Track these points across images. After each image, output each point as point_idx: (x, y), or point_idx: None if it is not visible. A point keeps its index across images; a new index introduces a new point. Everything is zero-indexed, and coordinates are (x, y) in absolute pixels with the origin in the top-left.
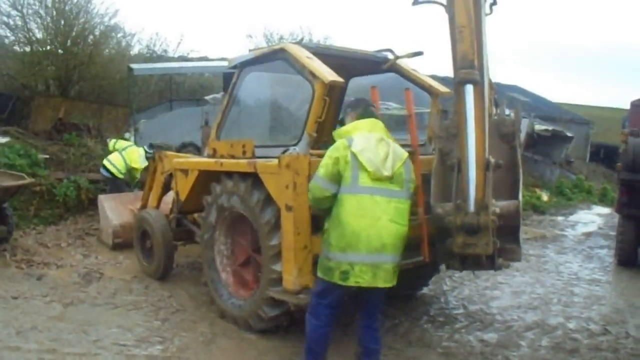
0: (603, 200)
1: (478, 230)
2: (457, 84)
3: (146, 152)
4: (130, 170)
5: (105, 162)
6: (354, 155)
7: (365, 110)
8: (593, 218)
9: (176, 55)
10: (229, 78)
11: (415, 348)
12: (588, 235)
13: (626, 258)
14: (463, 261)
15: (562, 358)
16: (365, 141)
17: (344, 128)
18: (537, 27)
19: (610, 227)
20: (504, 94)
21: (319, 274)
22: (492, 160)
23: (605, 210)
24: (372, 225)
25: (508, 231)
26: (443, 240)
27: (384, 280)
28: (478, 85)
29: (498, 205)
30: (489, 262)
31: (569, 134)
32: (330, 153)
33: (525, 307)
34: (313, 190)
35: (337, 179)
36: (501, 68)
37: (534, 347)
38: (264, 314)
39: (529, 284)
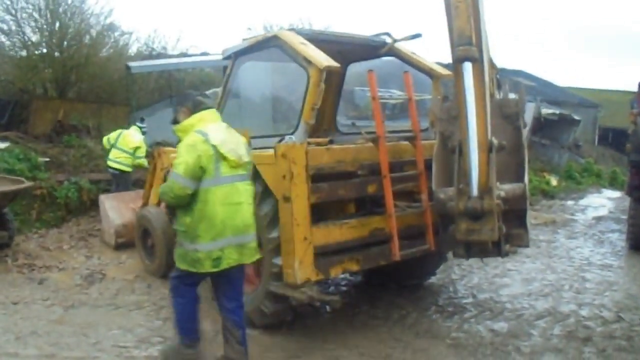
0: (613, 183)
1: (482, 216)
2: (455, 61)
3: (139, 127)
4: (134, 153)
5: (109, 163)
6: (215, 148)
7: (196, 103)
8: (603, 202)
9: (176, 53)
10: None
11: (424, 339)
12: (599, 219)
13: (638, 242)
14: (468, 248)
15: (575, 347)
16: (219, 132)
17: (187, 122)
18: (543, 7)
19: (621, 210)
20: (508, 78)
21: (183, 266)
22: (495, 141)
23: (616, 193)
24: (237, 211)
25: (514, 216)
26: (446, 227)
27: (249, 256)
28: (477, 62)
29: (503, 189)
30: (495, 249)
31: (576, 117)
32: (189, 151)
33: (536, 294)
34: (174, 188)
35: (199, 175)
36: (508, 51)
37: (546, 336)
38: (266, 309)
39: (540, 271)
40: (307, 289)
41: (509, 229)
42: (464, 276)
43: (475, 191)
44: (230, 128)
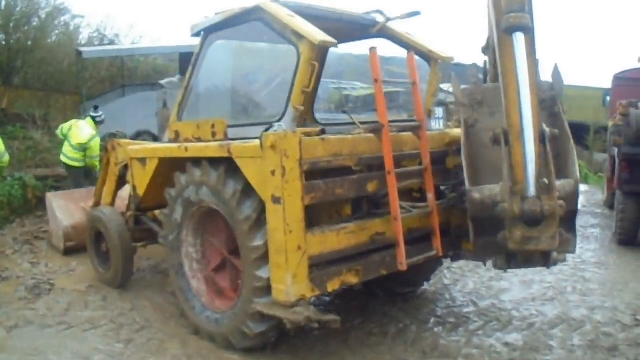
0: None
1: (542, 220)
2: (504, 31)
3: (93, 118)
4: (85, 150)
5: (61, 155)
6: None
7: None
8: None
9: (129, 41)
10: (186, 59)
11: (432, 359)
12: None
13: (628, 237)
14: (510, 258)
15: (603, 359)
16: None
17: None
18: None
19: (593, 204)
20: (465, 74)
21: None
22: (547, 129)
23: (583, 187)
24: None
25: (563, 218)
26: (484, 233)
27: None
28: (530, 33)
29: None
30: (542, 258)
31: None
32: None
33: (540, 299)
34: None
35: None
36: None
37: (568, 348)
38: (248, 330)
39: (536, 272)
40: (303, 309)
41: None
42: (458, 281)
43: (532, 190)
44: None
